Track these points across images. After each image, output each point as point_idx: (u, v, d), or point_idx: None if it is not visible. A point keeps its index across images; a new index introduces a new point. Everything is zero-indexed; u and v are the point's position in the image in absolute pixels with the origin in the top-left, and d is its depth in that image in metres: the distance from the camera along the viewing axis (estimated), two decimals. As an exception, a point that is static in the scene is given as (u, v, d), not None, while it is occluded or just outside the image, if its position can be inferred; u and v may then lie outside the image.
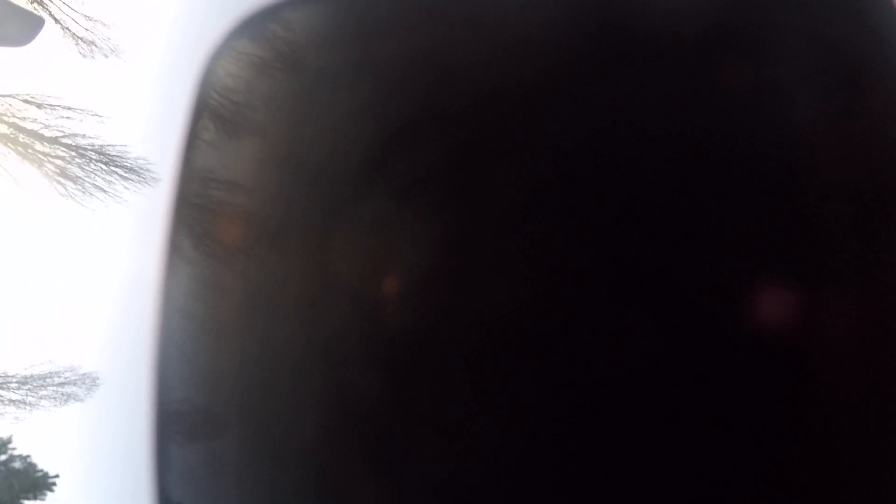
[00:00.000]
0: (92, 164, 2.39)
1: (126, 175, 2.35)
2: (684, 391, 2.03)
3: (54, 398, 2.42)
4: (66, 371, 2.41)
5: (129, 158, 2.36)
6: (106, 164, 2.37)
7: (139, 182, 2.32)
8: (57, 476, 2.40)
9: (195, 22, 2.39)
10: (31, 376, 2.42)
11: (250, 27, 2.32)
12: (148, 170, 2.31)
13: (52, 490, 2.39)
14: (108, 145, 2.39)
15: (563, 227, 2.16)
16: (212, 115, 2.32)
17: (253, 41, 2.33)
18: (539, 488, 2.03)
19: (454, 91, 2.22)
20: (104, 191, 2.37)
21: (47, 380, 2.43)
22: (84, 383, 2.40)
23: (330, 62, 2.33)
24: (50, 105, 2.41)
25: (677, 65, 2.18)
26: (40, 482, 2.39)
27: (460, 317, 2.12)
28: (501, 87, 2.21)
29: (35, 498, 2.40)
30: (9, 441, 2.44)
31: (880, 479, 1.93)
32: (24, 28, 2.40)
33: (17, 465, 2.43)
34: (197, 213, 2.30)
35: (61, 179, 2.41)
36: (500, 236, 2.16)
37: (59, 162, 2.42)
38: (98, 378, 2.39)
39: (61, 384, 2.42)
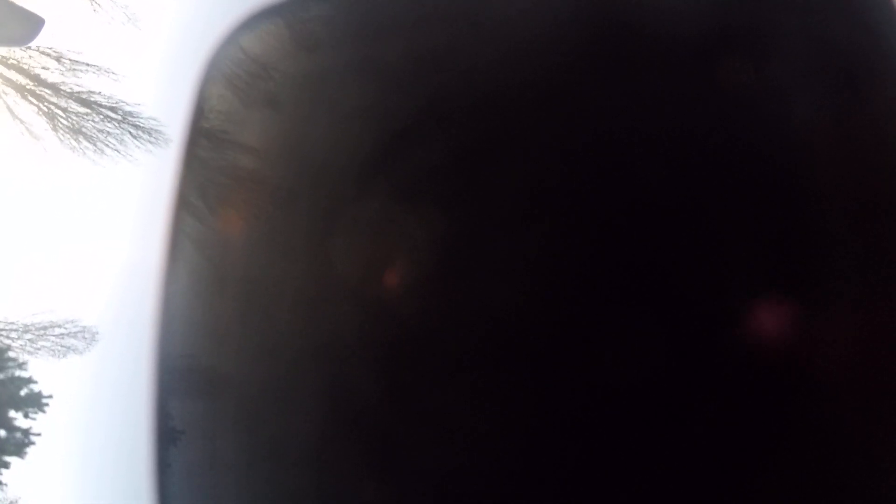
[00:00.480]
0: (105, 121, 2.43)
1: (138, 134, 2.40)
2: (683, 393, 2.04)
3: (53, 349, 2.47)
4: (66, 322, 2.45)
5: (141, 117, 2.41)
6: (119, 121, 2.42)
7: (150, 142, 2.37)
8: (50, 396, 2.44)
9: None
10: (33, 324, 2.46)
11: (267, 10, 2.36)
12: (159, 130, 2.35)
13: (43, 410, 2.43)
14: (123, 102, 2.44)
15: (564, 229, 2.17)
16: (222, 86, 2.36)
17: (269, 23, 2.37)
18: (537, 488, 2.06)
19: (456, 92, 2.24)
20: (115, 149, 2.41)
21: (48, 330, 2.47)
22: (84, 336, 2.44)
23: (343, 49, 2.37)
24: (69, 59, 2.46)
25: (678, 66, 2.20)
26: (33, 398, 2.43)
27: (461, 316, 2.14)
28: (504, 88, 2.23)
29: (27, 416, 2.43)
30: (7, 349, 2.48)
31: (879, 482, 1.94)
32: (24, 28, 2.43)
33: (13, 373, 2.46)
34: (205, 176, 2.34)
35: (74, 134, 2.46)
36: (502, 236, 2.17)
37: (73, 117, 2.46)
38: (98, 332, 2.43)
39: (61, 335, 2.46)
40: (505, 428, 2.07)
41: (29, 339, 2.47)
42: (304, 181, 2.29)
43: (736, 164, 2.19)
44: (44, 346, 2.48)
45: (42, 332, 2.46)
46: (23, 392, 2.45)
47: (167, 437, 2.24)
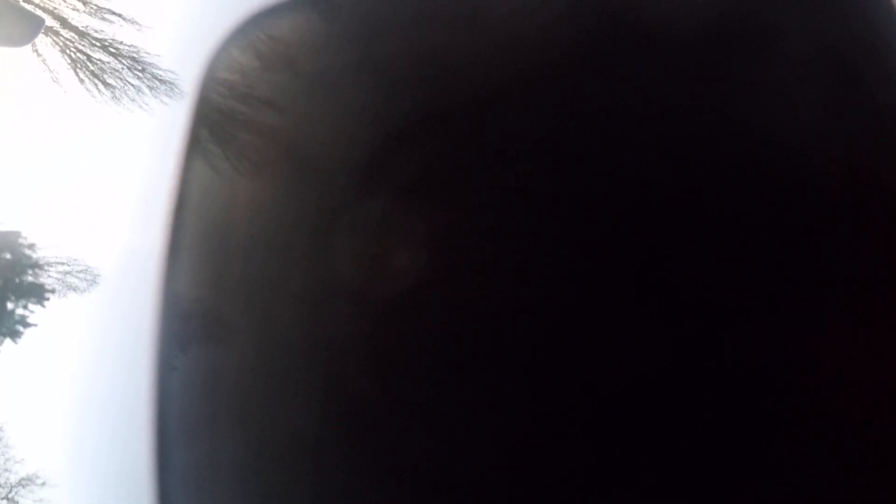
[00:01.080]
0: (125, 69, 2.50)
1: (155, 85, 2.46)
2: (683, 394, 2.05)
3: (54, 287, 2.52)
4: (70, 260, 2.51)
5: (160, 69, 2.47)
6: (139, 70, 2.48)
7: (166, 94, 2.43)
8: (53, 291, 2.48)
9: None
10: (36, 259, 2.52)
11: (275, 7, 2.40)
12: (176, 83, 2.41)
13: (42, 305, 2.47)
14: (144, 52, 2.50)
15: (564, 228, 2.19)
16: (240, 47, 2.41)
17: (277, 19, 2.41)
18: (536, 488, 2.06)
19: (452, 90, 2.26)
20: (132, 97, 2.48)
21: (51, 266, 2.53)
22: (86, 277, 2.49)
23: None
24: (95, 4, 2.52)
25: (677, 65, 2.23)
26: (36, 290, 2.46)
27: (460, 315, 2.14)
28: (500, 87, 2.25)
29: (25, 307, 2.47)
30: (18, 234, 2.51)
31: (879, 482, 1.97)
32: (24, 28, 2.47)
33: (19, 257, 2.49)
34: (216, 130, 2.40)
35: (94, 78, 2.52)
36: (502, 234, 2.18)
37: (95, 61, 2.53)
38: (100, 274, 2.48)
39: (64, 273, 2.51)
40: (503, 428, 2.10)
41: (34, 274, 2.52)
42: (306, 165, 2.32)
43: (736, 164, 2.22)
44: (44, 283, 2.53)
45: (44, 267, 2.52)
46: (27, 278, 2.48)
47: (168, 381, 2.27)
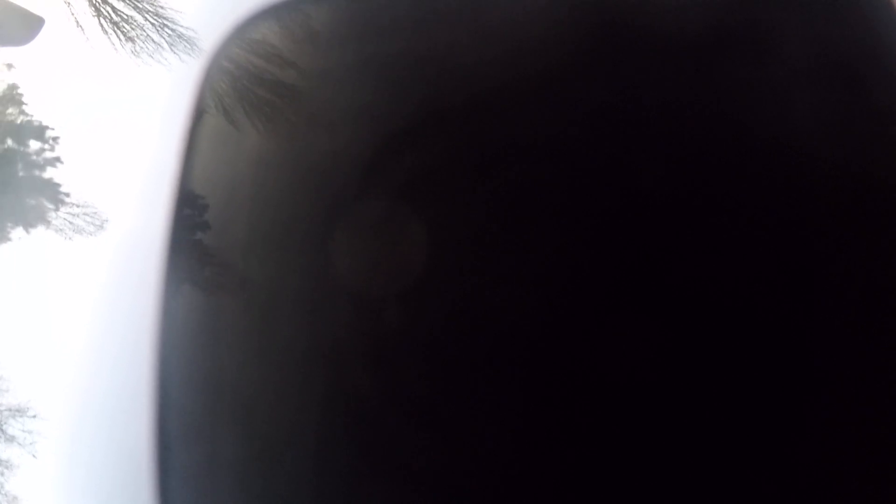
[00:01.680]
0: (147, 24, 2.57)
1: (174, 41, 2.53)
2: (675, 392, 2.04)
3: (62, 227, 2.59)
4: (80, 203, 2.58)
5: (180, 25, 2.54)
6: (159, 25, 2.55)
7: (185, 51, 2.50)
8: (68, 194, 2.52)
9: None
10: (58, 157, 2.57)
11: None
12: (194, 40, 2.48)
13: (56, 206, 2.52)
14: (167, 8, 2.57)
15: (564, 229, 2.21)
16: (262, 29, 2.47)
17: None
18: (537, 490, 2.07)
19: (452, 91, 2.27)
20: (151, 52, 2.55)
21: (61, 207, 2.60)
22: (95, 221, 2.57)
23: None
24: (119, -46, 2.59)
25: (677, 65, 2.24)
26: (51, 187, 2.51)
27: (460, 318, 2.15)
28: (501, 88, 2.29)
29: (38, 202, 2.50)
30: (47, 127, 2.54)
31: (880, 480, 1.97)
32: (24, 28, 2.52)
33: (44, 152, 2.52)
34: (228, 91, 2.46)
35: (116, 29, 2.59)
36: (503, 235, 2.18)
37: (119, 12, 2.60)
38: (108, 219, 2.55)
39: (73, 215, 2.58)
40: (501, 427, 2.12)
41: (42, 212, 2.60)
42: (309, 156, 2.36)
43: (736, 164, 2.23)
44: (53, 223, 2.61)
45: (53, 206, 2.59)
46: (45, 174, 2.51)
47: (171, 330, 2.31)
